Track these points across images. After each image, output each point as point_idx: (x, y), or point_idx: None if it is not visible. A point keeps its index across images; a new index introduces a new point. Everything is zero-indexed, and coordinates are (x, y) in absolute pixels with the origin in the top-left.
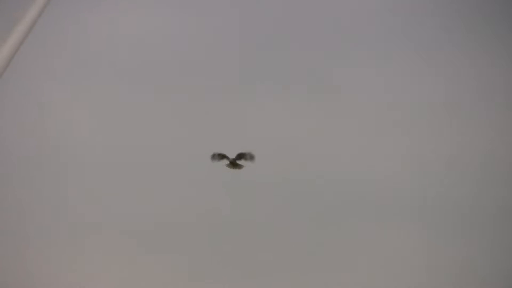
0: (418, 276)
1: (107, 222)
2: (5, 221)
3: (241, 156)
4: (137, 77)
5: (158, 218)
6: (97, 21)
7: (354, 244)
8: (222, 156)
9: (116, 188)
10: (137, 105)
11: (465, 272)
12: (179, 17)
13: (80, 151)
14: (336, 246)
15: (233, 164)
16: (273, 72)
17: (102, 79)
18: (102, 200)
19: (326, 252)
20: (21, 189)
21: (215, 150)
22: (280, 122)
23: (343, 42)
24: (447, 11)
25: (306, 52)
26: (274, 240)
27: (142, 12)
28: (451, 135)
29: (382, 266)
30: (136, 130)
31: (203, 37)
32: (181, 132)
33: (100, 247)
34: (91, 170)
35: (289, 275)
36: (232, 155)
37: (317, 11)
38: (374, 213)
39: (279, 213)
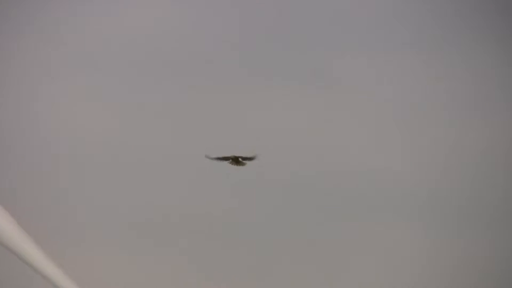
0: (418, 269)
1: (112, 220)
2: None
3: (244, 157)
4: (138, 75)
5: (161, 216)
6: (95, 18)
7: (357, 238)
8: (225, 158)
9: (119, 187)
10: (140, 103)
11: (463, 266)
12: (179, 14)
13: (83, 151)
14: (339, 241)
15: (236, 161)
16: (274, 68)
17: (102, 77)
18: (105, 199)
19: (327, 248)
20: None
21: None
22: (281, 117)
23: (344, 37)
24: (447, 10)
25: (307, 48)
26: (275, 233)
27: (141, 9)
28: (449, 132)
29: (383, 260)
30: (138, 129)
31: (204, 34)
32: (182, 130)
33: (105, 244)
34: (94, 168)
35: (291, 268)
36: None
37: (317, 7)
38: (374, 207)
39: (281, 207)
